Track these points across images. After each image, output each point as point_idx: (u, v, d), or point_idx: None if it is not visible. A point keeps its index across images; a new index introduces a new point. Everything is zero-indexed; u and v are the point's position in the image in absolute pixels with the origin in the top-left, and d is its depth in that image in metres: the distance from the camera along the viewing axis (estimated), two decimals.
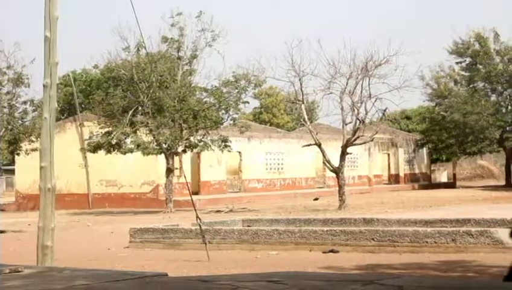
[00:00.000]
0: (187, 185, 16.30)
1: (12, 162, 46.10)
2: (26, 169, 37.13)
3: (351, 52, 30.68)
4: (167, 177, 31.65)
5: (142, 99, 30.52)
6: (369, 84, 29.89)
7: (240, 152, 41.59)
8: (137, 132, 31.17)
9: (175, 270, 11.00)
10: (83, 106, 50.70)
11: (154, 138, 30.71)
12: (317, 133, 31.00)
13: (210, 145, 31.91)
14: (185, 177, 17.93)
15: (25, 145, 36.30)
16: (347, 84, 30.01)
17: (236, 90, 31.55)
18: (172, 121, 30.69)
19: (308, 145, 31.75)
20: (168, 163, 31.49)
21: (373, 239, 14.06)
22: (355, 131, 30.01)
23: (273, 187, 44.12)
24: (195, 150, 33.74)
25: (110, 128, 30.89)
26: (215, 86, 31.92)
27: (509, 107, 49.22)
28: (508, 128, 48.49)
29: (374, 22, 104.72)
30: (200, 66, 32.00)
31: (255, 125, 48.44)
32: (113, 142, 30.78)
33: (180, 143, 31.03)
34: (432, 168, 60.41)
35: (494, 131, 47.61)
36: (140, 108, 31.01)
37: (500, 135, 48.58)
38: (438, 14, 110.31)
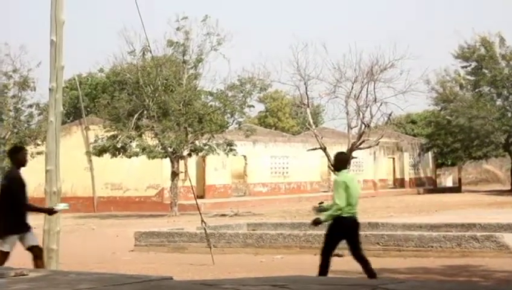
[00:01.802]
0: (192, 188, 16.32)
1: None
2: (32, 172, 36.98)
3: (356, 57, 30.77)
4: (172, 181, 31.67)
5: (147, 103, 30.56)
6: (374, 89, 30.00)
7: (245, 156, 41.57)
8: (143, 135, 31.21)
9: (180, 274, 11.01)
10: (88, 109, 50.77)
11: (159, 141, 30.74)
12: (322, 137, 31.03)
13: (215, 149, 31.92)
14: (190, 181, 18.00)
15: (30, 149, 36.38)
16: (352, 88, 30.11)
17: (242, 94, 31.57)
18: (177, 124, 30.71)
19: (313, 149, 31.77)
20: (173, 167, 31.50)
21: (378, 243, 14.05)
22: (360, 135, 30.02)
23: (278, 191, 44.10)
24: (200, 154, 33.77)
25: (116, 132, 30.93)
26: (221, 90, 31.96)
27: None
28: None
29: (379, 26, 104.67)
30: (206, 69, 32.06)
31: (260, 129, 48.43)
32: (119, 146, 30.83)
33: (185, 147, 31.06)
34: (437, 173, 60.30)
35: (499, 135, 47.49)
36: (145, 112, 31.05)
37: (505, 140, 48.47)
38: (444, 19, 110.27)
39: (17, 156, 9.90)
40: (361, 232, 15.05)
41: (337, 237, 10.03)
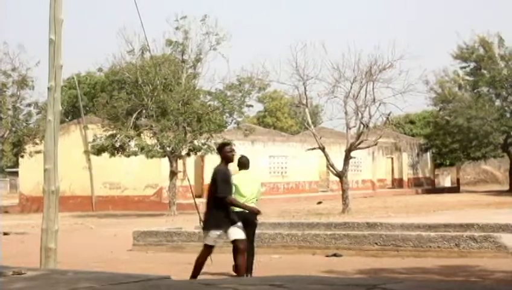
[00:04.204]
0: (190, 188, 16.33)
1: (17, 164, 46.18)
2: (30, 171, 37.16)
3: (355, 56, 30.66)
4: (171, 180, 31.65)
5: (146, 102, 30.55)
6: (373, 89, 29.90)
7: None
8: (141, 134, 31.20)
9: (178, 273, 11.00)
10: (87, 108, 50.80)
11: (158, 141, 30.73)
12: (320, 137, 30.98)
13: (214, 149, 31.90)
14: (188, 180, 18.02)
15: (29, 148, 36.36)
16: (351, 88, 30.02)
17: (240, 94, 31.57)
18: (176, 124, 30.71)
19: (312, 149, 31.75)
20: (171, 166, 31.49)
21: (376, 243, 14.05)
22: (359, 135, 29.97)
23: (277, 191, 44.10)
24: (199, 153, 33.76)
25: (114, 131, 30.92)
26: (219, 90, 31.96)
27: None
28: None
29: (379, 27, 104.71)
30: (204, 69, 32.06)
31: (259, 129, 48.43)
32: (117, 145, 30.82)
33: (184, 146, 31.05)
34: (436, 173, 60.34)
35: (498, 136, 47.53)
36: (144, 111, 31.04)
37: (504, 140, 48.50)
38: (443, 19, 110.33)
39: (221, 152, 10.35)
40: (360, 232, 15.14)
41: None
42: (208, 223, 9.99)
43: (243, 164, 11.60)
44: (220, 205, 9.91)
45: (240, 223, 10.07)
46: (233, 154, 10.33)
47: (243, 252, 9.96)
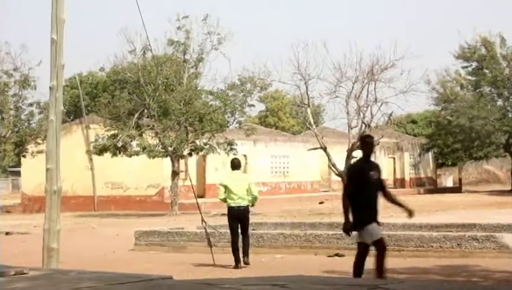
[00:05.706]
0: (192, 188, 16.31)
1: (19, 164, 46.21)
2: (32, 171, 37.15)
3: (357, 56, 30.71)
4: (172, 180, 31.67)
5: (148, 102, 30.56)
6: (375, 88, 29.98)
7: (245, 155, 41.55)
8: (143, 134, 31.21)
9: (180, 273, 11.01)
10: (89, 108, 50.77)
11: (159, 140, 30.74)
12: (322, 137, 31.01)
13: (216, 149, 31.91)
14: (190, 180, 18.01)
15: (31, 147, 36.38)
16: (353, 88, 30.10)
17: (242, 94, 31.57)
18: (178, 124, 30.72)
19: (314, 149, 31.77)
20: (173, 166, 31.50)
21: None
22: (361, 135, 29.99)
23: (279, 191, 44.09)
24: (200, 153, 33.76)
25: (116, 131, 30.92)
26: (221, 89, 31.97)
27: None
28: None
29: (380, 26, 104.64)
30: (206, 69, 32.08)
31: (261, 129, 48.44)
32: (119, 145, 30.82)
33: (185, 146, 31.05)
34: (438, 173, 60.28)
35: (500, 136, 47.46)
36: (146, 111, 31.05)
37: (506, 140, 48.44)
38: (444, 19, 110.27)
39: (360, 144, 10.07)
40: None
41: (230, 222, 13.24)
42: (354, 222, 9.56)
43: (235, 165, 13.41)
44: (360, 203, 9.47)
45: (375, 224, 9.53)
46: (367, 146, 9.65)
47: (382, 252, 9.49)
